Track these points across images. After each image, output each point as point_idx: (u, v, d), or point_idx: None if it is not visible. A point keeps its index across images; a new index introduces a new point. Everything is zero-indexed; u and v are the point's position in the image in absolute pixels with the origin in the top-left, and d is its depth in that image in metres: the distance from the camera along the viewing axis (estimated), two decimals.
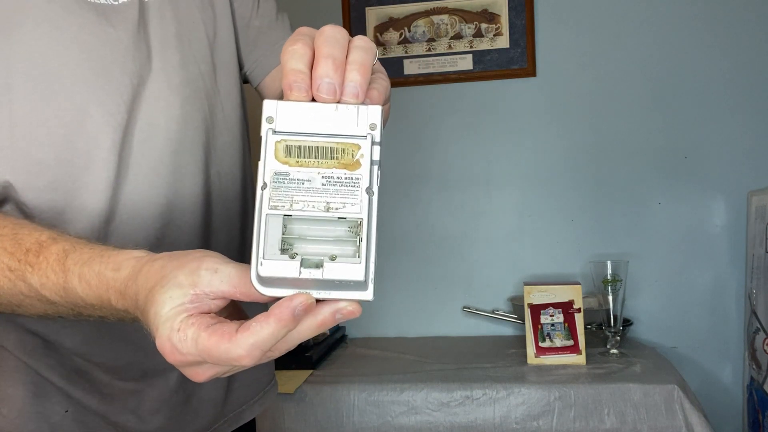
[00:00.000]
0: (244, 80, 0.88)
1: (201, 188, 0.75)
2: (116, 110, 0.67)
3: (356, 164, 0.41)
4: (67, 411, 0.70)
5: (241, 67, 0.86)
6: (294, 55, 0.42)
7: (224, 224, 0.79)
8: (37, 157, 0.64)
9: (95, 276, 0.49)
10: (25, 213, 0.65)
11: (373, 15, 2.04)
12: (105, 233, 0.68)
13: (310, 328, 0.41)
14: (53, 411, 0.69)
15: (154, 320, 0.43)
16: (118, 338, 0.70)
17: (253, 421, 0.92)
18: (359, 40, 0.44)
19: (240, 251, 0.82)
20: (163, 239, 0.72)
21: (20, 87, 0.62)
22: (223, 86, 0.78)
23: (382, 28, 2.04)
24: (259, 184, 0.41)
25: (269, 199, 0.41)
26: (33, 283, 0.53)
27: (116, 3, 0.68)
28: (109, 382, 0.72)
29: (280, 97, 0.44)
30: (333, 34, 0.43)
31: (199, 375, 0.45)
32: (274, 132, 0.42)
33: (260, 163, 0.41)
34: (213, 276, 0.43)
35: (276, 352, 0.43)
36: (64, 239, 0.54)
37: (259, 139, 0.42)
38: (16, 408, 0.67)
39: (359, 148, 0.41)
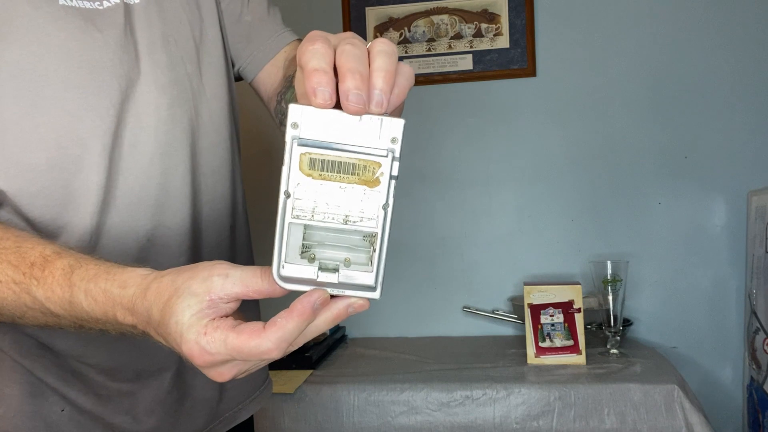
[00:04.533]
0: (237, 77, 0.87)
1: (189, 188, 0.75)
2: (106, 114, 0.67)
3: (376, 182, 0.44)
4: (63, 410, 0.70)
5: (233, 64, 0.85)
6: (315, 54, 0.42)
7: (213, 223, 0.79)
8: (30, 163, 0.64)
9: (101, 292, 0.51)
10: (21, 218, 0.65)
11: (373, 15, 2.04)
12: (97, 236, 0.68)
13: (326, 321, 0.46)
14: (50, 410, 0.70)
15: (176, 329, 0.45)
16: (111, 340, 0.70)
17: (251, 421, 0.92)
18: (381, 44, 0.44)
19: (230, 249, 0.82)
20: (153, 240, 0.72)
21: (10, 94, 0.63)
22: (210, 86, 0.78)
23: (382, 28, 2.04)
24: (282, 189, 0.44)
25: (292, 208, 0.44)
26: (38, 297, 0.54)
27: (101, 8, 0.68)
28: (103, 383, 0.73)
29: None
30: (353, 49, 0.43)
31: (223, 375, 0.47)
32: (300, 142, 0.43)
33: (284, 170, 0.43)
34: (225, 280, 0.46)
35: (295, 345, 0.47)
36: (68, 254, 0.55)
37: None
38: (13, 407, 0.68)
39: (380, 166, 0.44)
